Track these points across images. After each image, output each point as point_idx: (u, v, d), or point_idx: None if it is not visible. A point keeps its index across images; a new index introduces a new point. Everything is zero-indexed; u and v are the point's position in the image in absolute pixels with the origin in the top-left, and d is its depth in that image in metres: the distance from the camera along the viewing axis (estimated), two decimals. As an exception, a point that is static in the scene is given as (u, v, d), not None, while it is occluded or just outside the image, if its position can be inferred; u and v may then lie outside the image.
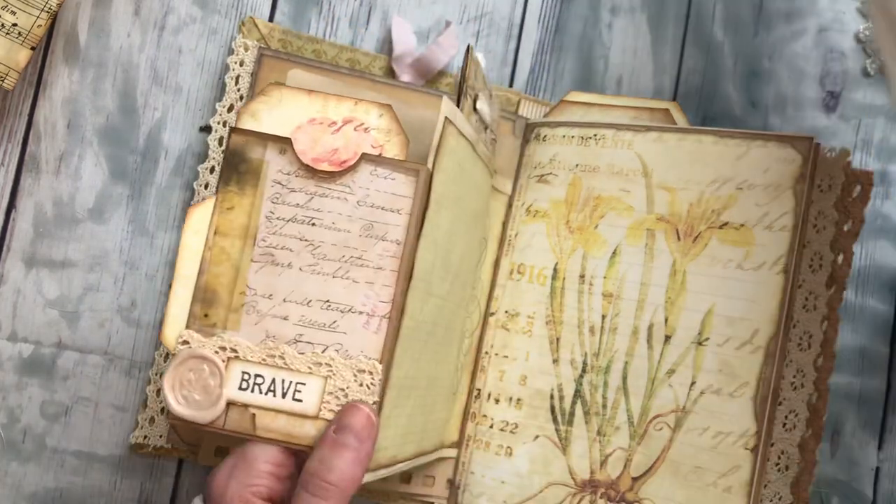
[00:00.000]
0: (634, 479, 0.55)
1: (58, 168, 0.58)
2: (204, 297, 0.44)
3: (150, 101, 0.59)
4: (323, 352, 0.43)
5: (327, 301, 0.43)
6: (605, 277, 0.57)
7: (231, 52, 0.59)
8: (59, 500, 0.57)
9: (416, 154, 0.45)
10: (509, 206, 0.60)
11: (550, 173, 0.59)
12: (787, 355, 0.55)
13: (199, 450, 0.57)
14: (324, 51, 0.60)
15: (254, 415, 0.43)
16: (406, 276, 0.44)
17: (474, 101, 0.52)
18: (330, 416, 0.42)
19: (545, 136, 0.60)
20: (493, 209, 0.59)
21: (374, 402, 0.43)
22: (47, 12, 0.54)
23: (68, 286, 0.58)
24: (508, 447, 0.57)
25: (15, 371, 0.57)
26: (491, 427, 0.58)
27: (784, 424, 0.55)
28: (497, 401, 0.58)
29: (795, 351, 0.56)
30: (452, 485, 0.58)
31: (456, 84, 0.60)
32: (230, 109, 0.58)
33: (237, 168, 0.44)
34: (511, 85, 0.63)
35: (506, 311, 0.59)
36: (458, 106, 0.49)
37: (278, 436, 0.42)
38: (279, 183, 0.44)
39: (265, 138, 0.44)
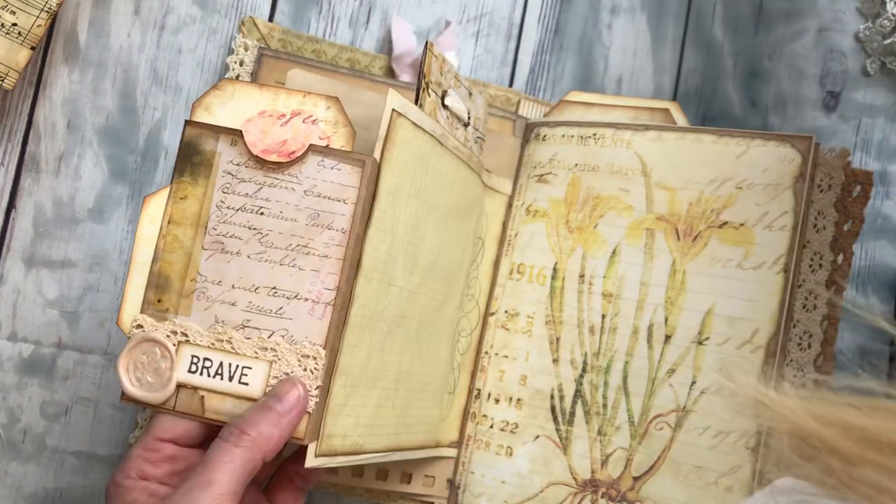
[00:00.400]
0: (635, 479, 0.55)
1: (58, 168, 0.58)
2: (157, 283, 0.45)
3: (149, 101, 0.59)
4: (269, 337, 0.44)
5: (274, 288, 0.44)
6: (604, 277, 0.58)
7: (231, 51, 0.59)
8: (59, 500, 0.57)
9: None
10: (509, 205, 0.60)
11: (550, 173, 0.59)
12: (787, 355, 0.55)
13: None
14: (324, 51, 0.60)
15: (203, 397, 0.44)
16: (353, 264, 0.44)
17: (442, 97, 0.52)
18: None
19: (545, 136, 0.60)
20: (493, 209, 0.59)
21: (318, 387, 0.43)
22: (47, 12, 0.54)
23: (68, 286, 0.58)
24: (509, 447, 0.57)
25: (15, 371, 0.57)
26: (491, 427, 0.58)
27: (784, 424, 0.55)
28: (497, 401, 0.58)
29: (795, 351, 0.56)
30: (452, 485, 0.58)
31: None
32: (230, 109, 0.58)
33: (191, 159, 0.45)
34: (511, 85, 0.63)
35: (506, 311, 0.59)
36: (417, 101, 0.49)
37: (226, 417, 0.43)
38: (230, 173, 0.45)
39: (217, 130, 0.45)
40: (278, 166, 0.45)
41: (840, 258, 0.56)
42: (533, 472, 0.57)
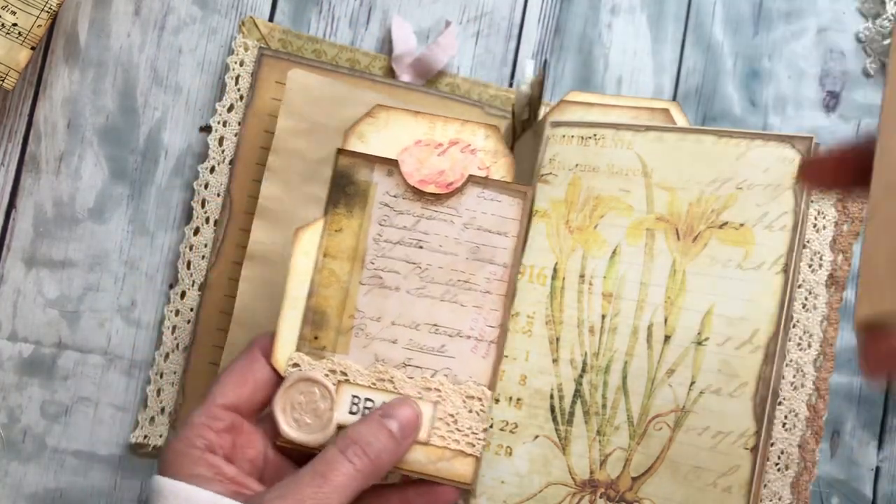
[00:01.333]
0: (634, 479, 0.55)
1: (58, 168, 0.58)
2: (314, 320, 0.44)
3: (150, 100, 0.59)
4: (432, 376, 0.43)
5: (435, 325, 0.44)
6: (604, 277, 0.58)
7: (231, 51, 0.59)
8: (59, 499, 0.57)
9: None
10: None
11: (550, 173, 0.59)
12: (786, 355, 0.55)
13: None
14: (324, 51, 0.60)
15: None
16: (511, 299, 0.44)
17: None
18: (440, 442, 0.43)
19: (545, 137, 0.60)
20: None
21: (485, 430, 0.43)
22: (47, 12, 0.54)
23: (68, 286, 0.58)
24: (508, 447, 0.57)
25: (15, 371, 0.57)
26: (491, 427, 0.58)
27: (784, 424, 0.55)
28: (497, 400, 0.58)
29: (795, 351, 0.56)
30: (452, 485, 0.57)
31: (519, 104, 0.59)
32: (230, 109, 0.58)
33: (345, 190, 0.45)
34: (511, 85, 0.63)
35: (506, 311, 0.59)
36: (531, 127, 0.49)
37: None
38: (387, 205, 0.44)
39: (372, 160, 0.45)
40: (436, 198, 0.44)
41: (840, 258, 0.56)
42: (532, 472, 0.57)
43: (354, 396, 0.43)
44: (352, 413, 0.43)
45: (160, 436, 0.57)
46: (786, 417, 0.56)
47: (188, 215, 0.59)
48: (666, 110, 0.58)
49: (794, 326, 0.55)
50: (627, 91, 0.63)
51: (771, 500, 0.54)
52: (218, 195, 0.58)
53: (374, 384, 0.43)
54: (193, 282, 0.57)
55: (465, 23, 0.63)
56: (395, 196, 0.44)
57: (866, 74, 0.64)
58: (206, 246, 0.58)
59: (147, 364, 0.58)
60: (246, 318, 0.55)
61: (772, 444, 0.54)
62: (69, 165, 0.58)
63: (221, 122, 0.58)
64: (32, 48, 0.54)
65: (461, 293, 0.44)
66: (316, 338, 0.44)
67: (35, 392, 0.57)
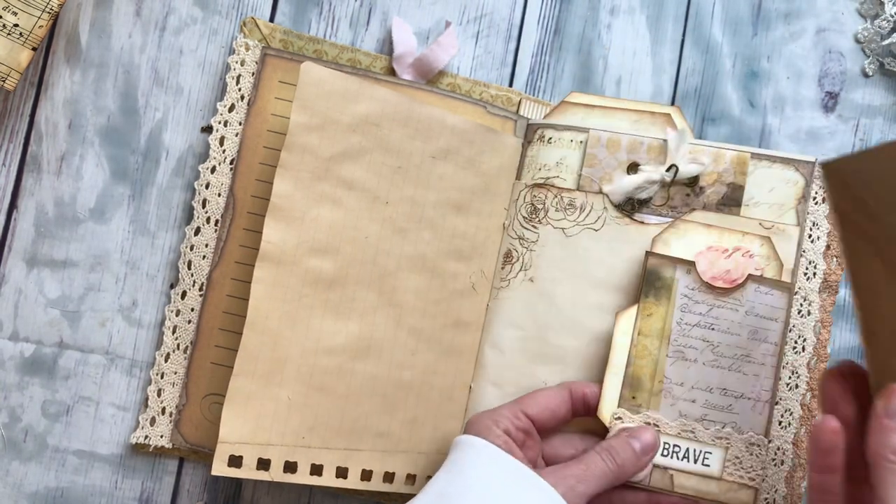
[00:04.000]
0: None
1: (59, 168, 0.58)
2: (631, 384, 0.55)
3: (151, 101, 0.59)
4: (722, 428, 0.54)
5: (724, 389, 0.54)
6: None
7: (232, 52, 0.59)
8: (60, 499, 0.57)
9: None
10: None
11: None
12: (783, 358, 0.56)
13: (203, 454, 0.57)
14: (325, 51, 0.60)
15: (672, 475, 0.54)
16: (779, 369, 0.55)
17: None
18: (729, 477, 0.54)
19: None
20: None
21: (762, 468, 0.54)
22: (49, 13, 0.54)
23: (69, 286, 0.58)
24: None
25: (16, 370, 0.57)
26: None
27: (780, 423, 0.56)
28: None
29: (791, 354, 0.57)
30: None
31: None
32: (231, 109, 0.58)
33: (654, 284, 0.55)
34: (511, 85, 0.63)
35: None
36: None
37: (691, 492, 0.54)
38: (686, 296, 0.55)
39: (675, 261, 0.56)
40: (724, 291, 0.55)
41: (833, 263, 0.57)
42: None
43: (665, 443, 0.54)
44: (663, 455, 0.54)
45: (161, 436, 0.57)
46: (782, 416, 0.57)
47: (189, 215, 0.59)
48: (667, 115, 0.59)
49: (789, 331, 0.56)
50: (626, 92, 0.63)
51: (768, 493, 0.56)
52: (219, 195, 0.58)
53: (680, 433, 0.54)
54: (194, 282, 0.58)
55: (465, 23, 0.63)
56: (692, 289, 0.55)
57: (865, 75, 0.64)
58: (206, 246, 0.58)
59: (148, 364, 0.58)
60: (260, 321, 0.53)
61: (769, 442, 0.55)
62: (70, 166, 0.58)
63: (222, 122, 0.58)
64: (34, 49, 0.54)
65: (744, 364, 0.55)
66: (633, 397, 0.55)
67: (36, 392, 0.58)
